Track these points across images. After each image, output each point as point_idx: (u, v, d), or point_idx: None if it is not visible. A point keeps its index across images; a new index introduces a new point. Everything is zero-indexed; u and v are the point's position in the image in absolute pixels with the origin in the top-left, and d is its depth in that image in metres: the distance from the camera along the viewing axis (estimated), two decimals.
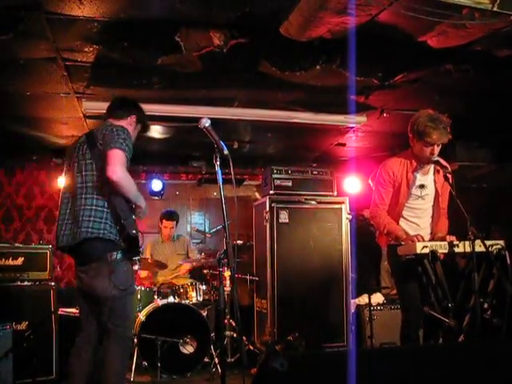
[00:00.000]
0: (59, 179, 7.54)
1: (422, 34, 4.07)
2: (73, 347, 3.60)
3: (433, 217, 4.34)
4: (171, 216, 6.88)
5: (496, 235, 5.67)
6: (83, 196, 3.45)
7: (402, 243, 4.09)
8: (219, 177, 3.26)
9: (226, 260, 3.22)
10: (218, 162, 3.25)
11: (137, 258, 3.60)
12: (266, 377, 2.33)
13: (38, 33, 4.00)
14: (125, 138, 3.44)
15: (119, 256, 3.41)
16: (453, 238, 4.03)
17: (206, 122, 3.32)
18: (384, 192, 4.27)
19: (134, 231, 3.41)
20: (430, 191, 4.28)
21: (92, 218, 3.38)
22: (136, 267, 5.76)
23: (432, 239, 4.22)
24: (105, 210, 3.41)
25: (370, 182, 4.52)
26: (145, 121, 3.91)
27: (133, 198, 3.48)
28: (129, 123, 3.74)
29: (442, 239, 4.07)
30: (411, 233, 4.22)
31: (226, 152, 3.23)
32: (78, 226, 3.38)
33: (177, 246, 6.91)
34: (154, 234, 7.31)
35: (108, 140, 3.41)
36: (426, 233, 4.28)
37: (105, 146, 3.40)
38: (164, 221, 6.83)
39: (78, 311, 5.24)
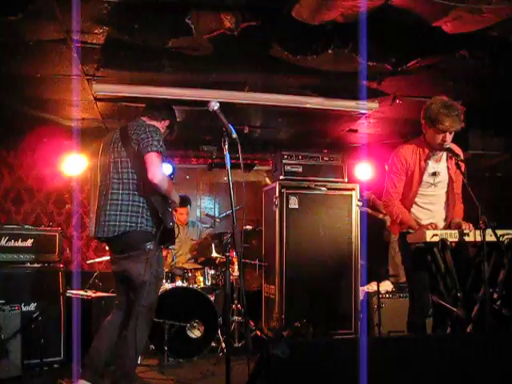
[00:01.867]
0: (70, 162, 7.56)
1: (436, 18, 3.99)
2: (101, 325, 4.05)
3: (446, 203, 4.30)
4: (184, 202, 6.85)
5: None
6: (120, 192, 3.78)
7: (409, 231, 4.07)
8: (227, 161, 3.24)
9: (232, 244, 3.20)
10: (227, 146, 3.23)
11: (172, 246, 4.05)
12: (268, 363, 2.32)
13: (48, 14, 3.97)
14: (159, 140, 3.77)
15: (154, 246, 3.76)
16: (469, 224, 3.99)
17: (215, 105, 3.29)
18: (397, 180, 4.23)
19: (171, 223, 3.80)
20: (442, 178, 4.23)
21: (129, 213, 3.74)
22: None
23: (449, 224, 4.20)
24: (141, 204, 3.77)
25: (386, 167, 4.48)
26: (175, 127, 4.24)
27: (170, 197, 3.84)
28: (161, 126, 4.06)
29: (459, 225, 4.03)
30: (424, 219, 4.19)
31: (234, 136, 3.21)
32: (117, 219, 3.74)
33: (190, 231, 6.91)
34: None
35: (145, 142, 3.72)
36: (439, 219, 4.25)
37: (142, 147, 3.72)
38: (178, 208, 6.78)
39: (86, 294, 5.36)
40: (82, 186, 8.11)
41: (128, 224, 3.73)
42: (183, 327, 5.46)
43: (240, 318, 5.84)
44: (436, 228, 3.97)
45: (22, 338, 4.57)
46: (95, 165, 7.85)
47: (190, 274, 5.98)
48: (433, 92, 4.82)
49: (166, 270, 6.11)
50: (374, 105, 6.07)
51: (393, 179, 4.26)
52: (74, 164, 7.58)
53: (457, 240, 3.85)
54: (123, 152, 3.82)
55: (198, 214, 8.54)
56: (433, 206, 4.28)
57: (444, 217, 4.30)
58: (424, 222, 4.15)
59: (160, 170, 3.70)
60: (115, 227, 3.74)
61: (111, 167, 3.85)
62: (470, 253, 4.15)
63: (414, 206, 4.26)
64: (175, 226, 3.98)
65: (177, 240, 6.56)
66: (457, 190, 4.26)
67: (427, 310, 4.13)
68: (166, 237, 3.85)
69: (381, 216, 7.36)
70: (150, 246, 3.73)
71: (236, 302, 5.92)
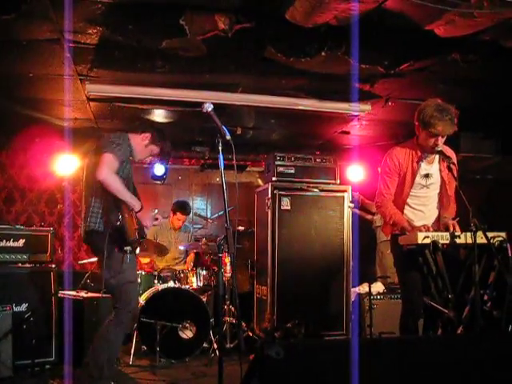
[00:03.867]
0: (62, 162, 7.54)
1: (429, 22, 4.01)
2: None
3: (439, 204, 4.32)
4: (187, 210, 6.85)
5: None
6: (87, 194, 4.11)
7: (400, 233, 4.09)
8: (221, 162, 3.24)
9: (225, 246, 3.19)
10: (220, 147, 3.24)
11: (127, 248, 3.91)
12: (261, 364, 2.33)
13: (41, 13, 3.96)
14: (119, 144, 3.92)
15: (112, 247, 3.88)
16: (454, 224, 4.02)
17: (209, 107, 3.30)
18: (389, 181, 4.24)
19: (118, 222, 3.83)
20: (435, 180, 4.25)
21: (90, 213, 3.96)
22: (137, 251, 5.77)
23: (438, 222, 4.23)
24: (96, 205, 3.96)
25: (379, 170, 4.50)
26: (159, 145, 4.25)
27: (120, 197, 3.86)
28: (141, 139, 4.19)
29: (446, 225, 4.06)
30: (416, 220, 4.21)
31: (228, 137, 3.21)
32: (86, 221, 4.00)
33: (181, 236, 6.91)
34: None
35: (102, 144, 3.93)
36: (431, 220, 4.28)
37: (99, 151, 3.91)
38: (179, 214, 6.76)
39: (77, 294, 5.35)
40: (74, 186, 8.09)
41: (90, 224, 3.95)
42: (175, 328, 5.45)
43: (232, 319, 5.84)
44: (428, 230, 3.99)
45: (13, 339, 4.55)
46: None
47: (181, 275, 5.98)
48: (425, 95, 4.85)
49: (155, 272, 6.14)
50: (367, 107, 6.09)
51: (385, 180, 4.27)
52: (65, 164, 7.57)
53: (448, 242, 3.87)
54: (93, 158, 4.04)
55: (191, 215, 8.54)
56: (425, 208, 4.29)
57: (435, 219, 4.32)
58: (416, 224, 4.17)
59: (107, 169, 3.79)
60: (84, 228, 4.04)
61: (84, 174, 4.21)
62: (461, 255, 4.18)
63: (406, 207, 4.28)
64: (130, 230, 3.89)
65: (166, 243, 6.61)
66: (450, 192, 4.27)
67: (419, 311, 4.15)
68: (121, 240, 3.88)
69: (369, 217, 7.39)
70: (109, 247, 3.85)
71: (228, 302, 5.92)
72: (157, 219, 4.31)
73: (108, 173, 3.80)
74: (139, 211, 4.00)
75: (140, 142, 4.18)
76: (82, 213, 4.19)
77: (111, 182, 3.81)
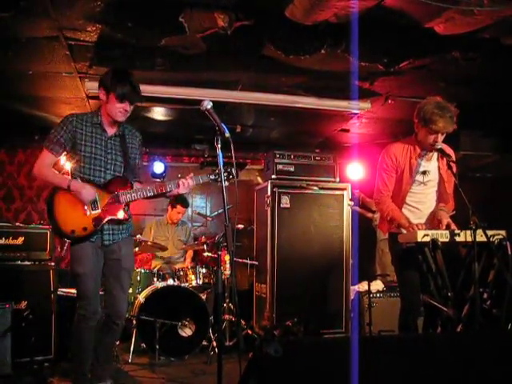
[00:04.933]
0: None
1: (428, 20, 4.01)
2: None
3: (436, 202, 4.31)
4: (186, 203, 6.84)
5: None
6: None
7: (403, 231, 4.08)
8: (220, 160, 3.23)
9: (225, 243, 3.18)
10: (219, 145, 3.22)
11: (64, 239, 3.88)
12: (260, 362, 2.33)
13: (41, 11, 3.96)
14: (54, 132, 3.66)
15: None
16: (448, 221, 4.02)
17: (208, 104, 3.29)
18: (387, 177, 4.23)
19: (45, 215, 3.69)
20: (433, 177, 4.24)
21: None
22: (136, 249, 5.76)
23: (432, 218, 4.22)
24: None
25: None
26: (111, 87, 3.62)
27: (50, 183, 3.71)
28: (101, 99, 3.72)
29: (440, 221, 4.06)
30: (412, 218, 4.20)
31: (227, 135, 3.19)
32: None
33: (179, 231, 6.90)
34: (158, 216, 7.40)
35: None
36: (428, 218, 4.27)
37: None
38: (179, 206, 6.74)
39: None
40: None
41: None
42: (174, 326, 5.45)
43: (231, 317, 5.83)
44: (422, 229, 3.98)
45: (12, 336, 4.55)
46: None
47: (181, 273, 5.97)
48: (425, 93, 4.85)
49: (155, 270, 6.13)
50: (366, 105, 6.09)
51: (383, 177, 4.26)
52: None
53: (447, 240, 3.87)
54: None
55: (190, 212, 8.54)
56: (422, 205, 4.28)
57: (432, 215, 4.31)
58: (413, 221, 4.16)
59: (37, 164, 3.67)
60: None
61: None
62: (460, 253, 4.18)
63: (404, 205, 4.28)
64: (60, 221, 3.63)
65: (164, 239, 6.61)
66: (448, 189, 4.27)
67: (418, 309, 4.15)
68: (56, 232, 3.73)
69: (369, 215, 7.39)
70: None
71: (227, 300, 5.91)
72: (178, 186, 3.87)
73: (36, 168, 3.68)
74: (68, 189, 3.60)
75: (103, 103, 3.71)
76: None
77: (40, 176, 3.72)
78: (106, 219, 3.67)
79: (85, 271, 3.67)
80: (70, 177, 3.69)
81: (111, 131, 3.77)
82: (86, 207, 3.63)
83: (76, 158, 3.70)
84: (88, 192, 3.60)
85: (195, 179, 3.84)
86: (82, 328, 3.72)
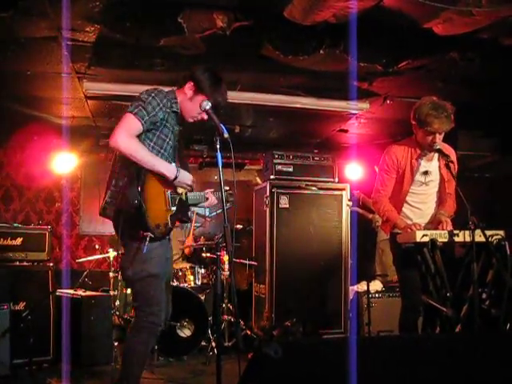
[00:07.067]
0: (60, 160, 7.52)
1: (427, 20, 4.02)
2: None
3: (437, 202, 4.32)
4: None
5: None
6: (112, 166, 3.31)
7: (399, 231, 4.09)
8: (219, 160, 3.22)
9: (224, 244, 3.15)
10: (218, 146, 3.20)
11: (147, 234, 3.10)
12: (260, 363, 2.33)
13: (39, 11, 3.95)
14: (144, 101, 3.15)
15: (130, 230, 3.17)
16: (447, 222, 4.02)
17: (207, 105, 3.28)
18: (387, 178, 4.24)
19: (136, 201, 3.02)
20: (434, 177, 4.25)
21: (112, 187, 3.21)
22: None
23: (433, 220, 4.23)
24: (119, 178, 3.18)
25: (376, 168, 4.50)
26: (208, 91, 3.35)
27: (144, 165, 3.11)
28: (184, 91, 3.38)
29: (439, 221, 4.06)
30: (414, 218, 4.21)
31: (226, 135, 3.16)
32: (106, 195, 3.23)
33: (178, 232, 6.88)
34: None
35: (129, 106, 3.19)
36: (429, 219, 4.28)
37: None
38: None
39: (75, 292, 5.32)
40: (72, 184, 8.09)
41: (112, 200, 3.19)
42: (173, 326, 5.44)
43: (230, 317, 5.83)
44: (420, 228, 3.99)
45: (10, 337, 4.54)
46: (85, 163, 7.94)
47: (180, 273, 5.97)
48: (423, 93, 4.83)
49: None
50: (365, 105, 6.10)
51: (383, 177, 4.27)
52: (63, 162, 7.55)
53: (446, 240, 3.87)
54: None
55: (189, 213, 8.52)
56: (423, 205, 4.29)
57: (433, 216, 4.32)
58: (414, 221, 4.17)
59: (121, 131, 3.07)
60: (104, 203, 3.24)
61: None
62: (456, 253, 4.18)
63: (404, 204, 4.28)
64: (152, 212, 3.12)
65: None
66: (449, 189, 4.27)
67: (418, 309, 4.16)
68: (140, 224, 3.10)
69: (370, 216, 7.39)
70: (127, 233, 3.18)
71: (226, 301, 5.91)
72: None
73: (123, 137, 3.06)
74: (174, 180, 3.26)
75: (185, 97, 3.37)
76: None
77: (127, 148, 3.06)
78: (178, 218, 3.37)
79: (159, 272, 3.25)
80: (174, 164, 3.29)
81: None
82: (169, 202, 3.26)
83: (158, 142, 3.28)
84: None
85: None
86: (151, 339, 3.30)
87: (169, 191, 3.28)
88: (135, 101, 3.18)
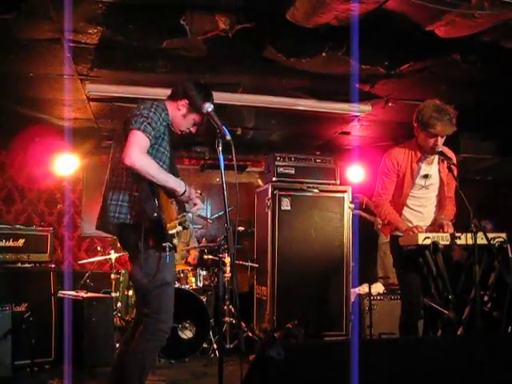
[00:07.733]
0: (62, 162, 7.54)
1: (429, 23, 4.02)
2: None
3: (437, 206, 4.32)
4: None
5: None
6: (114, 179, 3.31)
7: (399, 234, 4.09)
8: (221, 162, 3.22)
9: (226, 246, 3.15)
10: (220, 148, 3.20)
11: (166, 244, 3.20)
12: (263, 365, 2.33)
13: (42, 13, 3.96)
14: (147, 117, 3.19)
15: (147, 242, 3.20)
16: (448, 226, 4.02)
17: (209, 107, 3.29)
18: (387, 181, 4.24)
19: (155, 214, 3.10)
20: (434, 181, 4.25)
21: (117, 202, 3.24)
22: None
23: (434, 224, 4.22)
24: (127, 193, 3.23)
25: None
26: (198, 102, 3.38)
27: (157, 181, 3.19)
28: (177, 107, 3.43)
29: (441, 225, 4.06)
30: (415, 221, 4.21)
31: (228, 137, 3.16)
32: (108, 211, 3.24)
33: (181, 233, 6.86)
34: None
35: (132, 120, 3.21)
36: (429, 222, 4.27)
37: (127, 127, 3.23)
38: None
39: (77, 294, 5.32)
40: (74, 186, 8.10)
41: (120, 216, 3.22)
42: (175, 328, 5.44)
43: (232, 319, 5.83)
44: (422, 231, 3.99)
45: (12, 339, 4.54)
46: (87, 165, 7.96)
47: (181, 275, 5.97)
48: (425, 95, 4.84)
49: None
50: (367, 107, 6.10)
51: (383, 180, 4.27)
52: (65, 164, 7.57)
53: (448, 243, 3.87)
54: (121, 136, 3.31)
55: (190, 215, 8.52)
56: (423, 209, 4.29)
57: (434, 219, 4.32)
58: (414, 225, 4.17)
59: (134, 150, 3.10)
60: (110, 219, 3.25)
61: (110, 156, 3.43)
62: (461, 255, 4.18)
63: (405, 208, 4.28)
64: (169, 222, 3.23)
65: None
66: (449, 193, 4.27)
67: (418, 312, 4.15)
68: (159, 235, 3.17)
69: (372, 218, 7.39)
70: (142, 242, 3.16)
71: (228, 303, 5.91)
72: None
73: (137, 155, 3.10)
74: (182, 195, 3.33)
75: (177, 113, 3.43)
76: (101, 200, 3.35)
77: (142, 166, 3.12)
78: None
79: (172, 280, 3.34)
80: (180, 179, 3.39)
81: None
82: (177, 212, 3.36)
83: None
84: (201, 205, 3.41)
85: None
86: (158, 347, 3.32)
87: (174, 201, 3.38)
88: (137, 117, 3.21)
